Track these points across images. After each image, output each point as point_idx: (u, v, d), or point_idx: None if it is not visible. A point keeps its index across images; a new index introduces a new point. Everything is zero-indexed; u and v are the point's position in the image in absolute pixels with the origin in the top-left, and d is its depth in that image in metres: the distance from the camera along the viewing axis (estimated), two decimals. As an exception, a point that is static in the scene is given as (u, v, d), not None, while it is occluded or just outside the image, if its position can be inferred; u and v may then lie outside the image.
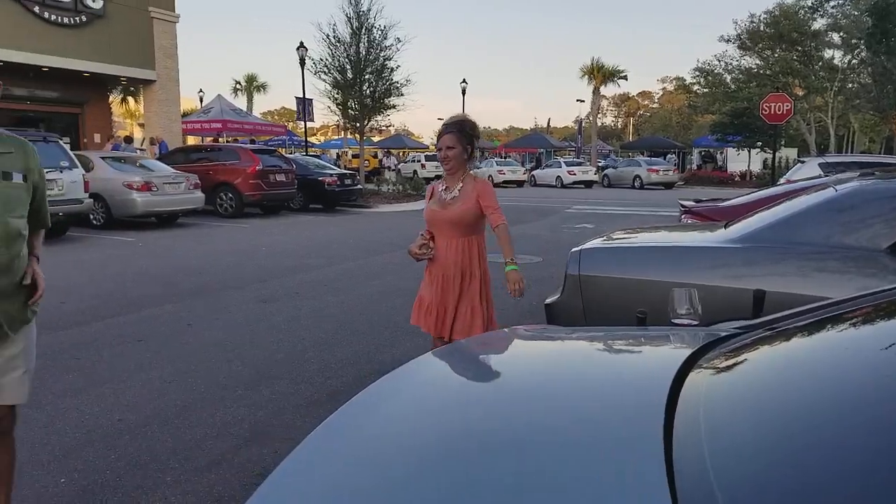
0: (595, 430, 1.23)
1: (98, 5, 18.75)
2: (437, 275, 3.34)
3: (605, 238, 4.42)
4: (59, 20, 17.96)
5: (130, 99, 38.76)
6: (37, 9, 17.40)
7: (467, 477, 1.12)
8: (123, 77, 21.29)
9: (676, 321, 1.96)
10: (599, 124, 56.66)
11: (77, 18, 18.38)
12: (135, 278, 8.06)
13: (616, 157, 46.50)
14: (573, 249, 4.03)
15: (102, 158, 13.46)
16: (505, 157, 44.32)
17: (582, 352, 1.79)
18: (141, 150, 20.06)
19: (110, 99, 24.80)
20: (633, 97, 76.55)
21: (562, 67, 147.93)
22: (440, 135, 3.36)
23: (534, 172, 36.39)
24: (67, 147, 11.89)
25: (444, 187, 3.40)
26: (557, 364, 1.70)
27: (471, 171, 3.40)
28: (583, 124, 50.65)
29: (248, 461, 3.33)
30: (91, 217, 12.56)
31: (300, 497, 1.17)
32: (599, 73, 45.20)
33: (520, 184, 33.68)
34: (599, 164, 40.60)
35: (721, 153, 42.13)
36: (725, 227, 4.08)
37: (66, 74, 18.75)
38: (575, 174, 32.76)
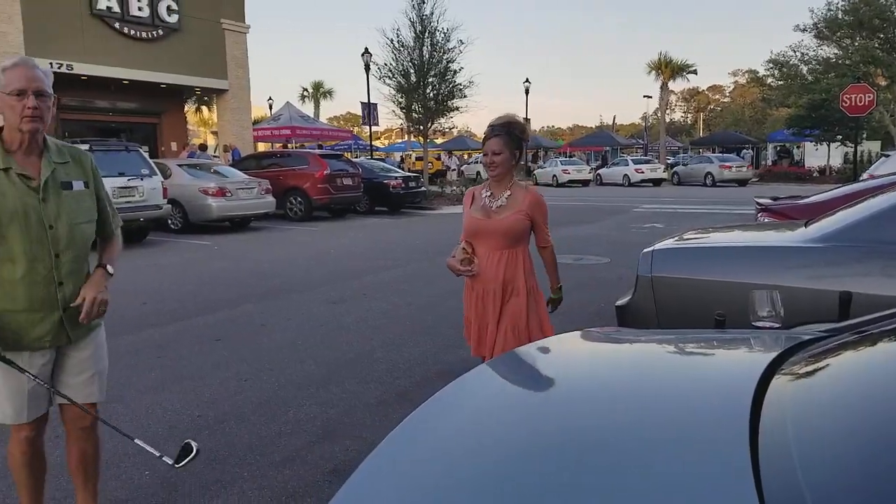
0: (678, 435, 1.20)
1: (174, 19, 19.57)
2: (477, 289, 3.11)
3: (677, 238, 4.31)
4: (138, 35, 18.84)
5: (204, 108, 40.29)
6: (117, 24, 18.29)
7: (548, 478, 1.12)
8: (198, 87, 22.15)
9: (757, 324, 1.90)
10: (668, 120, 55.32)
11: (154, 32, 19.23)
12: (211, 280, 8.36)
13: (690, 153, 45.26)
14: (645, 250, 3.94)
15: (179, 166, 14.04)
16: (569, 156, 43.83)
17: (659, 354, 1.76)
18: (215, 157, 20.82)
19: (185, 108, 25.83)
20: (702, 92, 74.34)
21: (628, 63, 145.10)
22: (486, 138, 3.07)
23: (599, 171, 35.80)
24: (147, 155, 12.45)
25: (488, 193, 3.11)
26: (634, 366, 1.67)
27: (517, 178, 3.15)
28: (650, 121, 49.55)
29: (320, 458, 3.41)
30: (169, 222, 13.12)
31: (380, 498, 1.20)
32: (667, 68, 44.16)
33: (585, 183, 33.20)
34: (668, 162, 39.62)
35: (798, 148, 40.44)
36: (806, 225, 3.92)
37: (145, 86, 19.63)
38: (643, 172, 32.04)
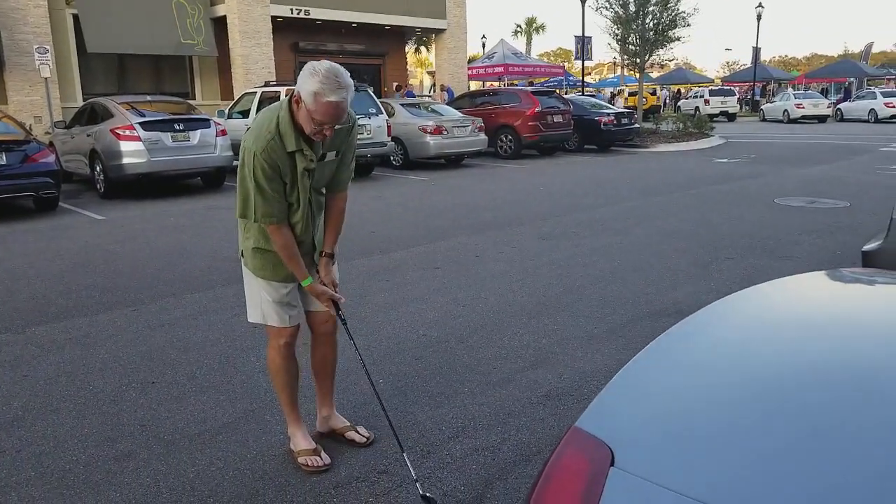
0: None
1: (398, -41, 20.35)
2: None
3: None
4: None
5: (422, 48, 41.75)
6: (347, -32, 19.47)
7: (811, 409, 1.13)
8: (419, 28, 22.99)
9: None
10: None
11: (380, -25, 20.18)
12: (429, 212, 8.92)
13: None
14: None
15: (401, 105, 14.86)
16: (805, 89, 39.14)
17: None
18: (429, 96, 21.69)
19: (406, 49, 26.99)
20: None
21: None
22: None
23: (840, 106, 31.59)
24: (374, 95, 13.33)
25: None
26: None
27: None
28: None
29: (534, 382, 3.62)
30: (391, 158, 14.05)
31: (636, 404, 1.30)
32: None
33: (822, 119, 29.57)
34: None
35: None
36: None
37: (371, 28, 20.83)
38: (894, 106, 27.76)
